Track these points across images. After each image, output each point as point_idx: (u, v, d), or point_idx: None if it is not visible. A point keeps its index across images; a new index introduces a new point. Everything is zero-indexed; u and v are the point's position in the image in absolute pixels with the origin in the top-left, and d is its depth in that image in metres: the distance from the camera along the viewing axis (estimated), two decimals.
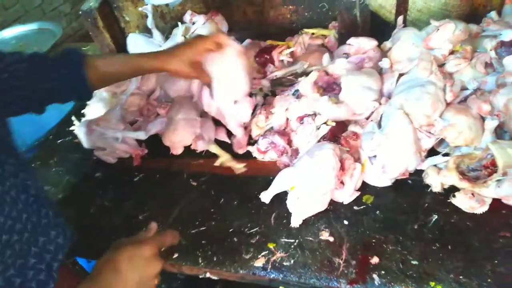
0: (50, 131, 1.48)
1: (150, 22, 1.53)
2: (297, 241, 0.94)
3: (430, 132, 1.01)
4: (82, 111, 1.49)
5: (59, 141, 1.44)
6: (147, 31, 1.62)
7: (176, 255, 0.96)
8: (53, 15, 3.48)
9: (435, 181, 0.97)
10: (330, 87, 1.17)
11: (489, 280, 0.80)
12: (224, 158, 1.17)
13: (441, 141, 1.05)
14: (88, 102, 1.51)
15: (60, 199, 1.20)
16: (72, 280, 0.86)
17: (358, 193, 1.01)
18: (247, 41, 1.59)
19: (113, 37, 1.68)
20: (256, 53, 1.44)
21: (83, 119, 1.44)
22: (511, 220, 0.90)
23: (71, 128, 1.43)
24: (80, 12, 1.59)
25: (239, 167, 1.15)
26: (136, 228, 1.04)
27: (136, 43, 1.57)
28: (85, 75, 0.98)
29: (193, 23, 1.52)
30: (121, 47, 1.70)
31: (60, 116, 1.56)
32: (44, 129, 1.56)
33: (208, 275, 0.96)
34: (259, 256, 0.92)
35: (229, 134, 1.25)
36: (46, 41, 2.07)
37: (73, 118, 1.45)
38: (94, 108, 1.43)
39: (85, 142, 1.29)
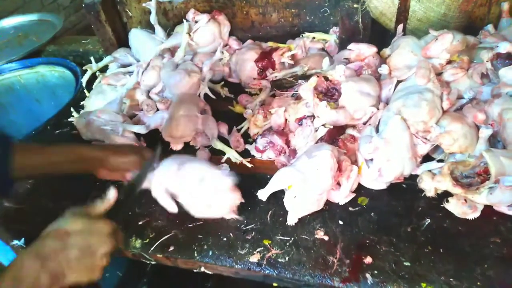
0: (48, 121, 1.47)
1: (153, 18, 1.54)
2: (292, 239, 0.96)
3: (426, 138, 1.03)
4: (81, 103, 1.49)
5: (57, 131, 1.43)
6: (149, 27, 1.63)
7: (172, 248, 0.97)
8: (52, 8, 3.46)
9: (429, 186, 1.00)
10: (329, 92, 1.19)
11: (478, 283, 0.83)
12: (230, 154, 1.19)
13: (436, 148, 1.08)
14: (87, 94, 1.52)
15: (58, 189, 1.19)
16: None
17: (353, 195, 1.03)
18: (248, 41, 1.61)
19: (114, 31, 1.69)
20: (258, 55, 1.45)
21: (82, 111, 1.44)
22: (502, 226, 0.93)
23: (69, 119, 1.44)
24: (83, 5, 1.59)
25: (245, 162, 1.17)
26: (132, 221, 1.05)
27: (138, 38, 1.58)
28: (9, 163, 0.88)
29: (196, 22, 1.53)
30: (122, 41, 1.71)
31: (56, 108, 1.56)
32: (40, 120, 1.55)
33: (203, 269, 0.97)
34: (254, 252, 0.94)
35: (230, 131, 1.27)
36: (45, 33, 2.05)
37: (72, 109, 1.45)
38: (94, 100, 1.43)
39: (83, 133, 1.29)
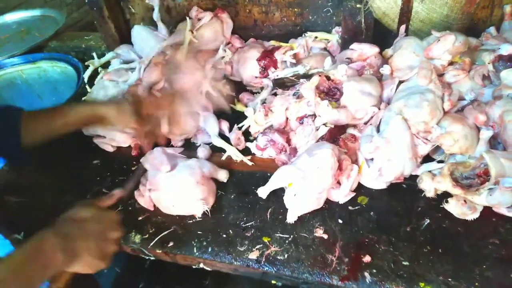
0: None
1: (156, 15, 1.54)
2: (291, 236, 0.96)
3: (426, 139, 1.03)
4: (83, 99, 1.49)
5: None
6: (152, 24, 1.63)
7: (171, 244, 0.97)
8: (54, 4, 3.46)
9: (429, 187, 1.00)
10: (331, 92, 1.19)
11: (476, 283, 0.83)
12: (231, 152, 1.19)
13: (437, 149, 1.08)
14: (89, 90, 1.52)
15: (59, 184, 1.19)
16: None
17: (353, 194, 1.03)
18: (251, 40, 1.61)
19: (117, 27, 1.69)
20: (260, 54, 1.45)
21: None
22: (501, 228, 0.93)
23: None
24: (87, 0, 1.59)
25: (246, 160, 1.17)
26: (133, 216, 1.06)
27: (141, 35, 1.58)
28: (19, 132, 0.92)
29: (199, 19, 1.54)
30: (124, 38, 1.71)
31: (58, 104, 1.56)
32: None
33: (202, 265, 0.97)
34: (253, 249, 0.94)
35: (231, 128, 1.27)
36: (48, 28, 2.05)
37: None
38: (95, 96, 1.43)
39: (84, 129, 1.30)
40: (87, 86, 1.58)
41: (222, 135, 1.26)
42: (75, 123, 1.02)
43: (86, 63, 1.66)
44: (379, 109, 1.13)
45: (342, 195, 1.02)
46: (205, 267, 0.97)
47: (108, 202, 0.97)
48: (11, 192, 1.18)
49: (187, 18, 1.50)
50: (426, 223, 0.96)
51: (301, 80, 1.30)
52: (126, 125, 1.09)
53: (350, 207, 1.02)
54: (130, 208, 1.08)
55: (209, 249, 0.95)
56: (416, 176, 1.04)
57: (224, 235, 0.98)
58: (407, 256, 0.89)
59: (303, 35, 1.56)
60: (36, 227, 1.10)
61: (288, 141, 1.18)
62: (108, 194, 0.96)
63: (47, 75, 1.93)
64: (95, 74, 1.62)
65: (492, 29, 1.32)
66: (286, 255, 0.92)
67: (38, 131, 0.97)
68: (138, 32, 1.59)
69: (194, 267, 0.99)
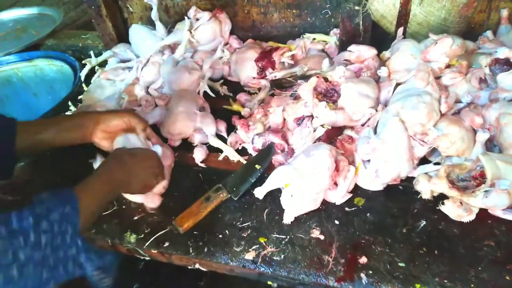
0: (44, 114, 1.46)
1: (154, 15, 1.54)
2: (288, 237, 0.96)
3: (423, 141, 1.04)
4: (79, 97, 1.48)
5: None
6: (150, 24, 1.63)
7: (167, 244, 0.97)
8: (51, 2, 3.44)
9: (425, 188, 1.00)
10: (328, 93, 1.19)
11: (472, 285, 0.83)
12: (227, 152, 1.19)
13: (433, 151, 1.08)
14: (86, 88, 1.51)
15: (53, 183, 1.18)
16: None
17: (350, 195, 1.03)
18: (249, 41, 1.61)
19: (115, 26, 1.69)
20: (258, 55, 1.46)
21: (80, 105, 1.43)
22: (496, 230, 0.94)
23: (67, 113, 1.43)
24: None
25: (243, 160, 1.17)
26: (128, 216, 1.05)
27: (139, 34, 1.57)
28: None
29: (197, 19, 1.54)
30: (122, 37, 1.71)
31: (53, 102, 1.55)
32: (37, 114, 1.54)
33: (197, 266, 0.96)
34: (250, 250, 0.93)
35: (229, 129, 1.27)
36: (45, 27, 2.04)
37: (69, 103, 1.45)
38: (92, 95, 1.43)
39: None
40: (83, 85, 1.57)
41: (219, 135, 1.25)
42: (60, 134, 1.02)
43: (83, 62, 1.65)
44: (376, 111, 1.13)
45: (338, 196, 1.02)
46: (200, 268, 0.97)
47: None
48: (6, 190, 1.17)
49: (186, 17, 1.50)
50: (422, 225, 0.96)
51: (299, 81, 1.30)
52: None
53: (346, 208, 1.02)
54: (124, 207, 1.07)
55: (205, 249, 0.95)
56: (413, 178, 1.04)
57: (220, 236, 0.98)
58: (403, 257, 0.89)
59: (301, 37, 1.57)
60: None
61: (285, 141, 1.18)
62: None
63: (43, 74, 1.92)
64: (92, 73, 1.61)
65: (489, 33, 1.33)
66: (282, 256, 0.92)
67: (32, 143, 0.97)
68: (136, 31, 1.59)
69: (189, 267, 0.98)
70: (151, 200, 1.06)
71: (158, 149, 1.08)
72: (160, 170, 1.04)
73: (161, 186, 1.07)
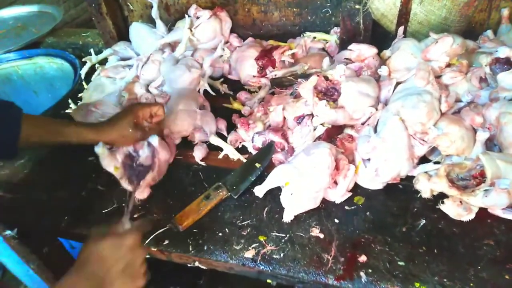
0: (44, 112, 1.46)
1: (154, 13, 1.54)
2: (288, 235, 0.96)
3: (423, 140, 1.04)
4: (79, 95, 1.48)
5: None
6: (150, 22, 1.63)
7: (166, 242, 0.97)
8: (51, 0, 3.44)
9: (425, 187, 1.00)
10: (329, 92, 1.19)
11: (471, 284, 0.83)
12: (227, 150, 1.18)
13: (433, 150, 1.08)
14: (86, 86, 1.51)
15: (53, 180, 1.18)
16: None
17: (350, 194, 1.03)
18: (249, 39, 1.61)
19: (115, 24, 1.69)
20: (258, 53, 1.45)
21: (80, 103, 1.43)
22: (496, 229, 0.94)
23: (67, 111, 1.43)
24: None
25: (243, 159, 1.17)
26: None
27: (139, 32, 1.57)
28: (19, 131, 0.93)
29: (198, 18, 1.53)
30: (122, 35, 1.71)
31: (53, 100, 1.55)
32: (37, 112, 1.54)
33: (197, 264, 0.96)
34: (249, 248, 0.93)
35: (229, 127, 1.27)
36: (45, 25, 2.04)
37: (69, 101, 1.45)
38: (92, 93, 1.43)
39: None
40: (84, 83, 1.57)
41: (219, 134, 1.25)
42: (74, 143, 1.03)
43: (83, 60, 1.65)
44: (377, 109, 1.13)
45: (338, 195, 1.02)
46: (200, 266, 0.97)
47: (120, 229, 0.87)
48: (5, 188, 1.17)
49: (186, 16, 1.50)
50: (422, 224, 0.96)
51: (299, 80, 1.30)
52: (129, 145, 1.09)
53: (346, 207, 1.02)
54: (124, 205, 1.07)
55: (205, 248, 0.95)
56: (413, 177, 1.04)
57: (220, 234, 0.98)
58: (403, 256, 0.89)
59: (302, 35, 1.57)
60: (30, 224, 1.10)
61: (285, 140, 1.18)
62: (117, 222, 0.87)
63: (43, 72, 1.92)
64: (92, 71, 1.61)
65: (489, 32, 1.33)
66: (282, 254, 0.92)
67: (34, 136, 0.97)
68: (136, 29, 1.59)
69: (189, 265, 0.98)
70: (140, 191, 1.06)
71: (154, 139, 1.08)
72: (143, 263, 0.84)
73: (150, 177, 1.07)
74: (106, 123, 1.07)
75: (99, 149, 1.03)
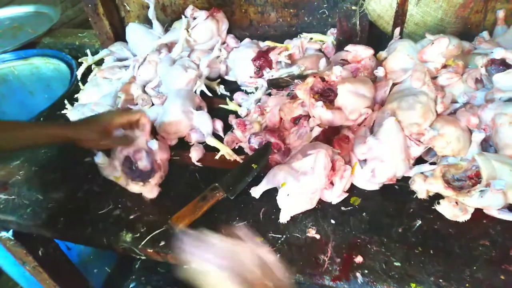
0: (40, 113, 1.46)
1: (151, 13, 1.54)
2: (284, 236, 0.96)
3: (419, 141, 1.04)
4: (76, 96, 1.48)
5: None
6: (147, 22, 1.63)
7: (163, 243, 0.96)
8: (48, 1, 3.43)
9: (421, 188, 1.00)
10: (325, 93, 1.20)
11: (467, 285, 0.83)
12: (224, 151, 1.18)
13: (429, 151, 1.08)
14: (82, 87, 1.51)
15: (49, 181, 1.18)
16: None
17: (346, 195, 1.03)
18: (246, 40, 1.61)
19: (112, 24, 1.69)
20: (255, 54, 1.45)
21: (76, 104, 1.43)
22: (491, 229, 0.94)
23: (63, 112, 1.43)
24: None
25: (239, 160, 1.17)
26: (124, 215, 1.05)
27: (136, 33, 1.57)
28: None
29: (194, 18, 1.53)
30: (119, 35, 1.71)
31: (50, 101, 1.55)
32: (33, 112, 1.54)
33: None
34: None
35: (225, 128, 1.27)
36: (41, 25, 2.03)
37: (65, 101, 1.44)
38: (88, 93, 1.42)
39: None
40: (80, 84, 1.56)
41: (215, 135, 1.25)
42: (44, 143, 1.05)
43: (79, 60, 1.64)
44: (373, 110, 1.13)
45: (335, 196, 1.02)
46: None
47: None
48: (2, 190, 1.16)
49: (183, 16, 1.50)
50: (417, 224, 0.96)
51: (296, 81, 1.30)
52: (96, 146, 1.07)
53: (342, 208, 1.02)
54: (120, 206, 1.07)
55: None
56: (409, 178, 1.05)
57: None
58: (399, 256, 0.89)
59: (299, 36, 1.57)
60: (26, 225, 1.09)
61: (282, 141, 1.18)
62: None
63: (39, 72, 1.92)
64: (88, 71, 1.60)
65: (485, 34, 1.34)
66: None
67: (5, 141, 0.94)
68: (133, 30, 1.59)
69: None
70: (149, 190, 1.06)
71: (154, 144, 1.08)
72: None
73: (158, 176, 1.07)
74: (78, 122, 1.08)
75: (99, 159, 1.03)
